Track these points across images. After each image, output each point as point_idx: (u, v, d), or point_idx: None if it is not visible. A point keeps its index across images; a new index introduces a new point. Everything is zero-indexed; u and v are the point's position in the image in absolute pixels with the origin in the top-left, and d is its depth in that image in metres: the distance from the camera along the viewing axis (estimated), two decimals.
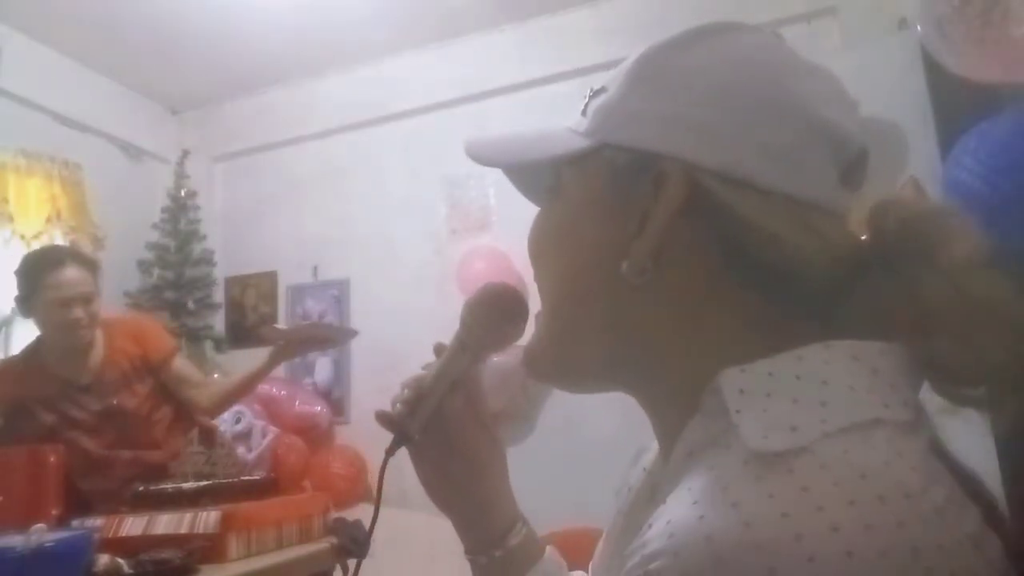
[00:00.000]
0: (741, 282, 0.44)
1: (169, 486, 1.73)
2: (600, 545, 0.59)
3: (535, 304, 0.56)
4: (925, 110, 2.25)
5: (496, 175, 0.61)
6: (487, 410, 0.62)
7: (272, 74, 3.70)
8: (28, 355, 2.07)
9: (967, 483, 0.38)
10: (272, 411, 3.22)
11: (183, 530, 1.50)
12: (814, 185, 0.43)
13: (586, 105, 0.49)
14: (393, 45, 3.48)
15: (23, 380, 2.01)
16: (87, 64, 3.48)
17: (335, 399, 3.50)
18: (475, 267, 3.14)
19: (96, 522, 1.55)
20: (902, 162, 2.44)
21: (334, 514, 1.96)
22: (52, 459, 1.93)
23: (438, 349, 0.62)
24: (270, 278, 3.79)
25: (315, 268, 3.69)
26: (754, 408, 0.39)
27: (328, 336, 2.10)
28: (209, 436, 1.91)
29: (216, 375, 3.35)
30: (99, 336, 2.06)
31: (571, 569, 0.64)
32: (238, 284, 3.85)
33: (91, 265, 2.08)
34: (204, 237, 3.79)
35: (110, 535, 1.49)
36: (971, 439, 0.43)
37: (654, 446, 0.54)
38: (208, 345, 3.64)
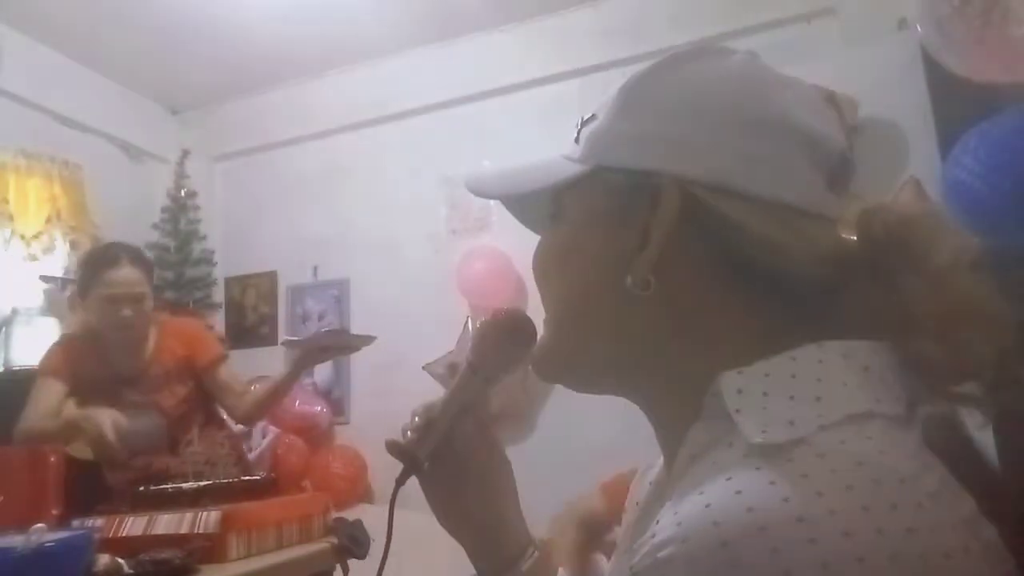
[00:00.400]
0: (737, 288, 0.46)
1: (169, 486, 1.73)
2: (612, 560, 0.59)
3: (537, 314, 0.57)
4: (925, 110, 2.25)
5: None
6: (497, 434, 0.63)
7: (272, 74, 3.70)
8: (87, 336, 2.12)
9: (965, 475, 0.39)
10: (272, 411, 3.22)
11: (183, 530, 1.50)
12: (801, 190, 0.46)
13: (578, 133, 0.52)
14: (393, 45, 3.48)
15: (80, 358, 2.08)
16: (87, 64, 3.48)
17: (335, 399, 3.50)
18: (475, 267, 3.14)
19: (96, 522, 1.55)
20: (902, 162, 2.44)
21: (334, 514, 1.96)
22: (52, 459, 1.94)
23: (452, 368, 0.62)
24: (270, 278, 3.79)
25: (315, 268, 3.69)
26: (753, 406, 0.41)
27: (347, 343, 2.09)
28: (236, 447, 1.92)
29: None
30: (151, 333, 2.12)
31: None
32: (238, 284, 3.85)
33: (148, 266, 2.16)
34: (204, 237, 3.79)
35: (110, 535, 1.49)
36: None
37: (659, 462, 0.55)
38: None
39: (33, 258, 3.05)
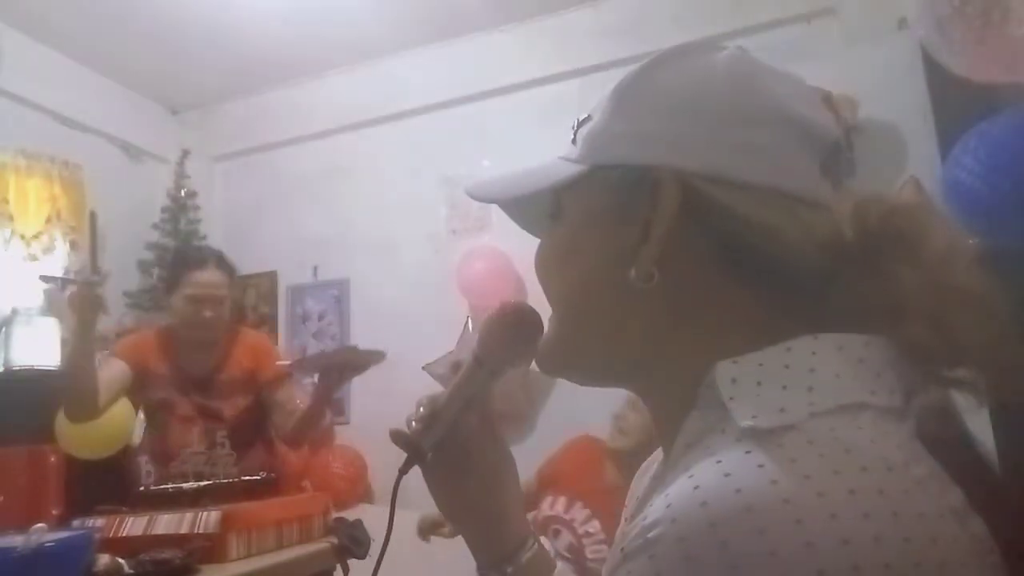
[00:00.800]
0: (736, 280, 0.47)
1: (169, 486, 1.73)
2: (609, 552, 0.59)
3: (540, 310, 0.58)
4: (925, 110, 2.25)
5: None
6: (501, 427, 0.63)
7: (272, 74, 3.70)
8: (163, 332, 2.18)
9: (956, 467, 0.40)
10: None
11: (183, 530, 1.50)
12: (797, 178, 0.46)
13: (575, 134, 0.53)
14: (393, 45, 3.48)
15: (153, 352, 2.12)
16: (87, 64, 3.48)
17: (335, 399, 3.50)
18: (475, 267, 3.14)
19: (96, 522, 1.55)
20: (902, 162, 2.44)
21: (334, 514, 1.96)
22: (52, 459, 1.94)
23: (455, 366, 0.62)
24: (270, 278, 3.79)
25: (315, 268, 3.69)
26: (746, 395, 0.42)
27: (356, 360, 2.06)
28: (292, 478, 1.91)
29: None
30: (224, 340, 2.16)
31: None
32: (238, 284, 3.84)
33: (231, 271, 2.22)
34: (204, 237, 3.78)
35: (110, 535, 1.49)
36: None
37: (659, 458, 0.56)
38: None
39: (33, 258, 3.05)
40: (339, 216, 3.65)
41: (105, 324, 3.32)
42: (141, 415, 2.70)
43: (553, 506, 1.99)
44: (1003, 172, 1.66)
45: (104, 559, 1.35)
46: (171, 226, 3.71)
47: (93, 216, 1.88)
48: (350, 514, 2.06)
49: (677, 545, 0.34)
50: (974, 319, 0.42)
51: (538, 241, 0.56)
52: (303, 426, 2.10)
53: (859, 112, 2.46)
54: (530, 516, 0.81)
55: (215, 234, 3.86)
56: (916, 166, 2.35)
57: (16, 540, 1.17)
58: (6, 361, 2.76)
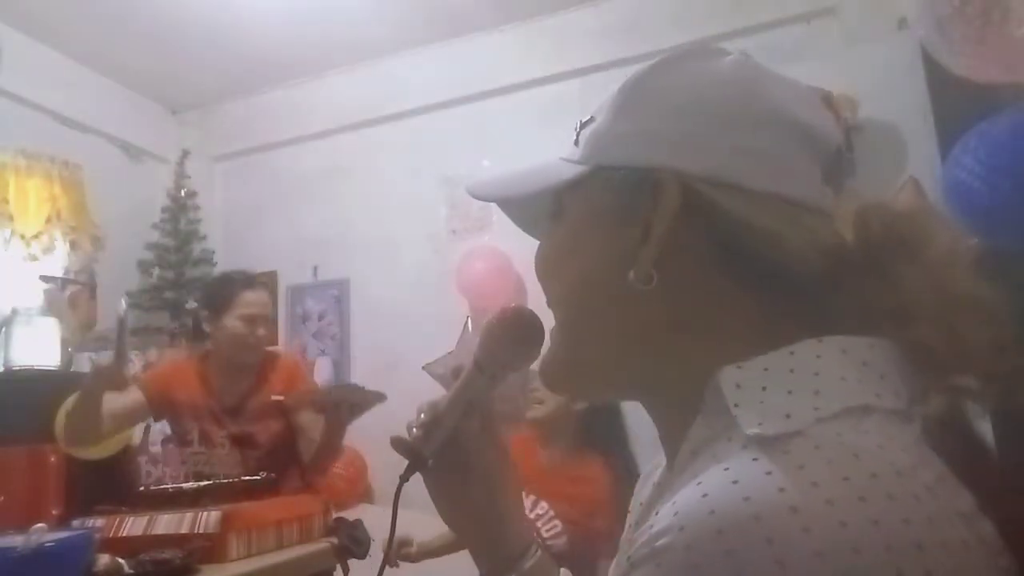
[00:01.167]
0: (737, 284, 0.46)
1: (169, 486, 1.73)
2: (615, 561, 0.59)
3: (539, 312, 0.58)
4: (925, 110, 2.25)
5: None
6: (502, 432, 0.63)
7: (272, 74, 3.70)
8: (198, 363, 2.19)
9: (964, 470, 0.39)
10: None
11: (183, 530, 1.50)
12: (799, 184, 0.46)
13: (578, 135, 0.53)
14: (393, 45, 3.48)
15: (187, 383, 2.13)
16: (87, 64, 3.48)
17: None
18: (475, 267, 3.14)
19: (96, 522, 1.55)
20: (902, 162, 2.44)
21: (334, 514, 1.96)
22: (52, 459, 1.94)
23: (456, 371, 0.62)
24: (270, 278, 3.78)
25: (315, 268, 3.69)
26: (751, 400, 0.41)
27: (363, 399, 2.04)
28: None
29: None
30: (260, 364, 2.18)
31: None
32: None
33: (270, 293, 2.29)
34: (204, 237, 3.79)
35: (110, 535, 1.49)
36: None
37: (663, 463, 0.56)
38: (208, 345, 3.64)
39: (33, 258, 3.05)
40: (339, 216, 3.65)
41: (104, 324, 3.34)
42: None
43: None
44: (1003, 172, 1.66)
45: (104, 559, 1.35)
46: (171, 226, 3.71)
47: (123, 321, 1.93)
48: (350, 514, 2.06)
49: (684, 553, 0.34)
50: (978, 323, 0.41)
51: (538, 242, 0.56)
52: (318, 461, 2.11)
53: (859, 112, 2.46)
54: None
55: (215, 234, 3.86)
56: (916, 166, 2.34)
57: (16, 540, 1.17)
58: (6, 361, 2.76)
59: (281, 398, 2.13)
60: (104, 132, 3.60)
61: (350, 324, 3.57)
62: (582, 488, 1.88)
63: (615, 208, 0.49)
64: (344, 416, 2.01)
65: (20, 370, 2.73)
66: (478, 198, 0.56)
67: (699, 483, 0.37)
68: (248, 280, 2.20)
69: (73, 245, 3.21)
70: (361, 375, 3.48)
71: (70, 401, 2.17)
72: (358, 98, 3.63)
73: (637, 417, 0.57)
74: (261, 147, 3.91)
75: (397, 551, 1.99)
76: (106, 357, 1.92)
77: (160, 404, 2.09)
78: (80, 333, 3.14)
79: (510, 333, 0.59)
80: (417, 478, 0.60)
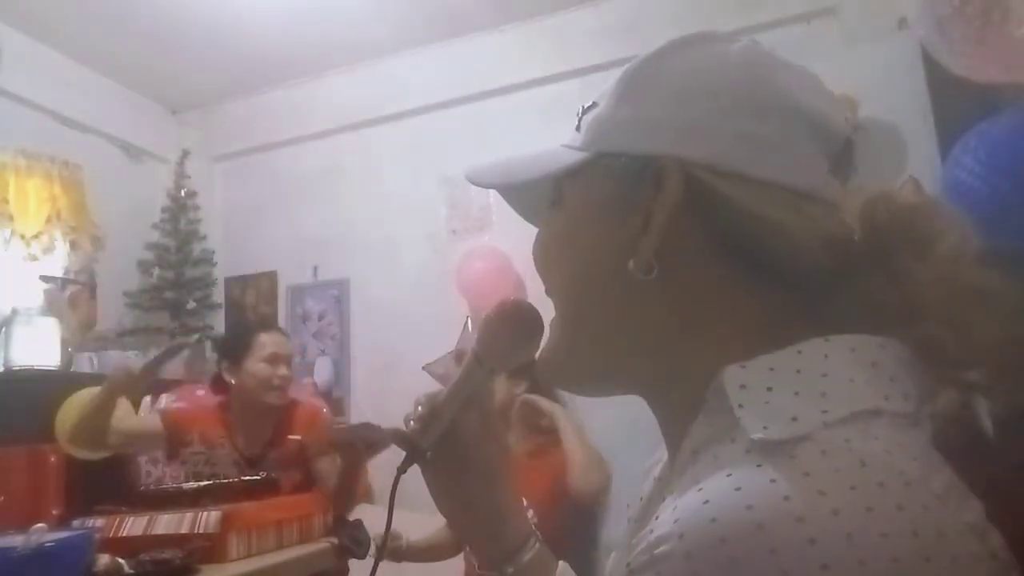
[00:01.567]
0: (740, 275, 0.45)
1: (169, 486, 1.73)
2: (612, 556, 0.59)
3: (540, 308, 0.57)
4: (925, 110, 2.25)
5: None
6: (500, 424, 0.62)
7: (272, 74, 3.70)
8: (220, 407, 2.17)
9: (973, 476, 0.38)
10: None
11: (183, 530, 1.50)
12: (805, 173, 0.45)
13: (580, 121, 0.52)
14: (393, 45, 3.48)
15: (210, 429, 2.11)
16: (87, 64, 3.48)
17: (335, 399, 3.50)
18: (475, 267, 3.14)
19: (96, 522, 1.55)
20: (902, 163, 2.44)
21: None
22: (52, 459, 1.94)
23: (459, 354, 0.61)
24: (270, 278, 3.79)
25: (315, 268, 3.69)
26: (756, 402, 0.40)
27: (379, 438, 2.02)
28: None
29: None
30: (282, 412, 2.17)
31: None
32: (238, 284, 3.85)
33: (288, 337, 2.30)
34: (204, 237, 3.79)
35: (110, 535, 1.49)
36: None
37: (664, 457, 0.55)
38: (208, 345, 3.64)
39: (33, 258, 3.05)
40: (339, 216, 3.65)
41: (104, 324, 3.34)
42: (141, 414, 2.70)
43: None
44: (1003, 172, 1.66)
45: (104, 559, 1.35)
46: (171, 226, 3.71)
47: (175, 349, 1.98)
48: (350, 514, 2.06)
49: (684, 562, 0.33)
50: (990, 317, 0.40)
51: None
52: (337, 501, 2.09)
53: (859, 112, 2.46)
54: None
55: (215, 234, 3.86)
56: (916, 166, 2.34)
57: (16, 540, 1.17)
58: (6, 361, 2.76)
59: (299, 437, 2.15)
60: (104, 132, 3.60)
61: (350, 324, 3.57)
62: (538, 473, 1.91)
63: (616, 196, 0.48)
64: (360, 455, 2.01)
65: (20, 370, 2.73)
66: (477, 184, 0.55)
67: (700, 489, 0.36)
68: (263, 322, 2.28)
69: (73, 245, 3.21)
70: (361, 375, 3.48)
71: (80, 398, 2.16)
72: (358, 98, 3.63)
73: (630, 408, 0.56)
74: (261, 147, 3.91)
75: (388, 549, 1.99)
76: (134, 362, 1.93)
77: (177, 442, 2.08)
78: (80, 333, 3.14)
79: (509, 326, 0.58)
80: (415, 472, 0.60)
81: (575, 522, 1.91)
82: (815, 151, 0.45)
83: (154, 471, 2.76)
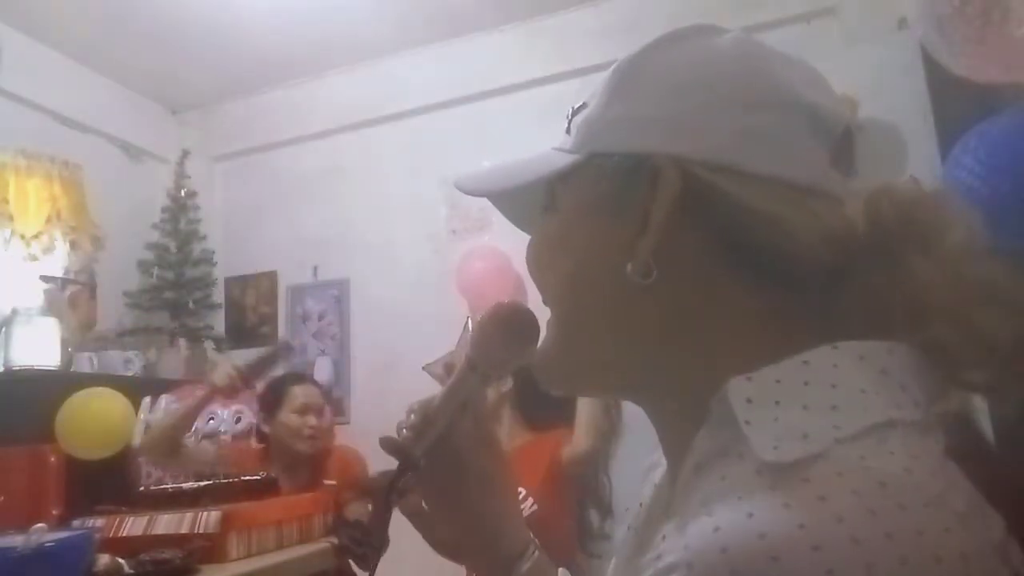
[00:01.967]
0: (740, 275, 0.44)
1: (169, 486, 1.73)
2: (612, 564, 0.57)
3: (537, 311, 0.56)
4: (925, 110, 2.25)
5: None
6: (496, 431, 0.61)
7: (272, 74, 3.70)
8: (263, 455, 2.34)
9: (993, 486, 0.37)
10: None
11: (183, 530, 1.50)
12: (804, 167, 0.43)
13: (569, 123, 0.50)
14: (393, 45, 3.48)
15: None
16: (87, 64, 3.48)
17: (335, 399, 3.50)
18: (475, 267, 3.14)
19: (96, 522, 1.55)
20: (902, 163, 2.44)
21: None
22: (52, 459, 1.94)
23: (448, 367, 0.60)
24: (270, 278, 3.79)
25: (315, 268, 3.68)
26: (764, 418, 0.38)
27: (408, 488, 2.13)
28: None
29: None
30: (318, 458, 2.32)
31: None
32: (238, 284, 3.85)
33: (319, 391, 2.46)
34: (204, 237, 3.78)
35: (111, 535, 1.49)
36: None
37: (663, 462, 0.54)
38: (208, 345, 3.64)
39: (33, 258, 3.05)
40: (339, 216, 3.65)
41: (104, 324, 3.34)
42: (141, 416, 2.71)
43: None
44: (1003, 172, 1.66)
45: (104, 559, 1.35)
46: (171, 226, 3.71)
47: (277, 353, 2.25)
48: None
49: None
50: (1000, 313, 0.39)
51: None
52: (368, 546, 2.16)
53: (859, 112, 2.46)
54: None
55: (215, 234, 3.86)
56: (916, 166, 2.34)
57: (16, 540, 1.17)
58: (6, 361, 2.76)
59: (333, 482, 2.26)
60: (104, 132, 3.60)
61: (350, 324, 3.57)
62: (532, 458, 1.93)
63: (610, 197, 0.46)
64: (391, 501, 2.07)
65: (20, 370, 2.73)
66: (468, 193, 0.53)
67: (710, 514, 0.34)
68: (296, 376, 2.44)
69: (73, 245, 3.20)
70: (361, 375, 3.48)
71: (82, 399, 2.30)
72: (358, 98, 3.63)
73: (628, 406, 0.54)
74: (261, 147, 3.90)
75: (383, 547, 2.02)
76: (233, 365, 2.14)
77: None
78: (80, 333, 3.14)
79: (503, 330, 0.56)
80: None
81: (573, 503, 1.93)
82: (815, 144, 0.44)
83: (154, 472, 2.75)
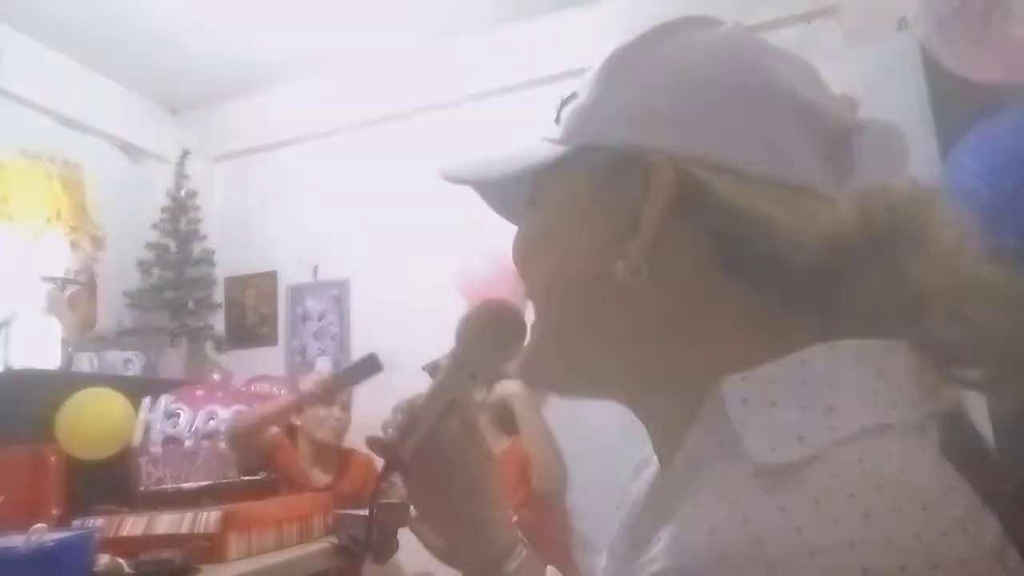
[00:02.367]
0: (733, 275, 0.43)
1: (169, 486, 1.73)
2: (603, 561, 0.57)
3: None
4: (925, 110, 2.25)
5: None
6: (482, 430, 0.61)
7: (272, 74, 3.70)
8: (294, 453, 2.42)
9: (989, 485, 0.37)
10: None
11: (183, 530, 1.50)
12: (799, 166, 0.43)
13: (558, 113, 0.49)
14: (393, 45, 3.48)
15: (291, 463, 2.36)
16: (87, 64, 3.48)
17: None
18: (475, 268, 3.14)
19: (96, 522, 1.55)
20: (901, 163, 2.43)
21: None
22: (52, 459, 1.94)
23: (431, 368, 0.61)
24: (270, 278, 3.79)
25: (315, 268, 3.68)
26: (759, 418, 0.37)
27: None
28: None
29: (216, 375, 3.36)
30: (341, 456, 2.42)
31: None
32: (238, 284, 3.85)
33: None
34: (204, 237, 3.78)
35: (111, 535, 1.50)
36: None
37: (654, 459, 0.53)
38: (208, 345, 3.64)
39: (33, 258, 3.05)
40: (339, 216, 3.65)
41: (104, 324, 3.34)
42: (141, 416, 2.71)
43: None
44: (1003, 172, 1.66)
45: (104, 559, 1.35)
46: (171, 226, 3.70)
47: (368, 362, 2.33)
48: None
49: None
50: (996, 310, 0.38)
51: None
52: (375, 555, 2.16)
53: (859, 112, 2.46)
54: None
55: (215, 234, 3.85)
56: (916, 166, 2.34)
57: (16, 540, 1.17)
58: (6, 361, 2.76)
59: (352, 488, 2.32)
60: (104, 132, 3.60)
61: (350, 324, 3.57)
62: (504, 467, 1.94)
63: (599, 192, 0.45)
64: (400, 519, 2.14)
65: (20, 370, 2.73)
66: (450, 180, 0.53)
67: (705, 516, 0.34)
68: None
69: (73, 245, 3.20)
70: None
71: (83, 398, 2.37)
72: (357, 98, 3.63)
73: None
74: (261, 147, 3.90)
75: (381, 551, 2.02)
76: (328, 371, 2.29)
77: (266, 462, 2.30)
78: (80, 333, 3.14)
79: (489, 328, 0.56)
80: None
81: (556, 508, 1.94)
82: (809, 143, 0.43)
83: (154, 471, 2.75)
